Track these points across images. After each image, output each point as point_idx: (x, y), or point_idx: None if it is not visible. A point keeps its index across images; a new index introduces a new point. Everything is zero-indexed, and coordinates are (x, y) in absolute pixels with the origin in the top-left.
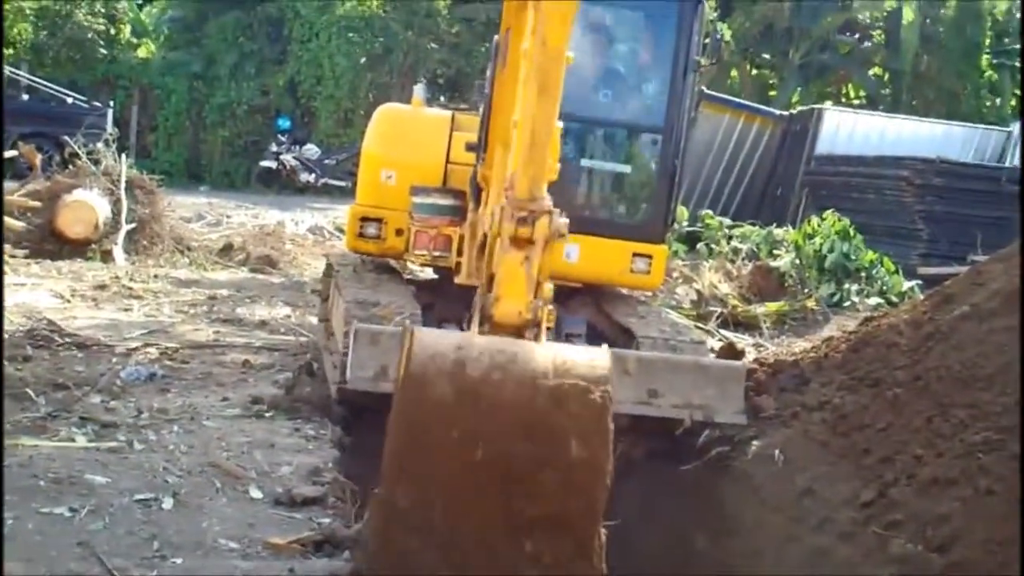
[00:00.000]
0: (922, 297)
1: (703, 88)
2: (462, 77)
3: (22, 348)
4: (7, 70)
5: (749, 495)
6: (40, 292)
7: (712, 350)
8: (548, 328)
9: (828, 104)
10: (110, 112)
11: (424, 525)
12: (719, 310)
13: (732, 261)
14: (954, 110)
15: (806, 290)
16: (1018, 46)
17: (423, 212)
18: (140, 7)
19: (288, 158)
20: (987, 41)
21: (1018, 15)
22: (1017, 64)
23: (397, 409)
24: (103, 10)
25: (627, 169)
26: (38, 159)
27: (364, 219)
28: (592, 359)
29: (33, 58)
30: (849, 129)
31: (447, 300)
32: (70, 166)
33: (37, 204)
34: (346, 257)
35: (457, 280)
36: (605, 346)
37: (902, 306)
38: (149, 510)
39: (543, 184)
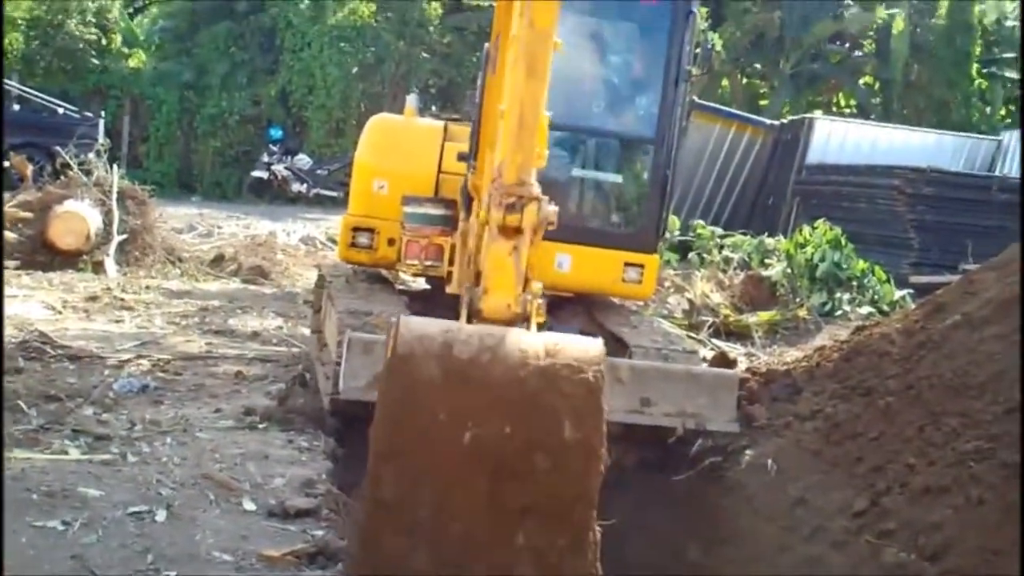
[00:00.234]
0: (914, 306)
1: (694, 98)
2: (454, 87)
3: (14, 360)
4: None
5: (742, 504)
6: (31, 304)
7: (704, 359)
8: (538, 323)
9: (819, 113)
10: (101, 122)
11: (411, 520)
12: (711, 319)
13: (724, 270)
14: (944, 119)
15: (798, 299)
16: (1008, 55)
17: (414, 222)
18: (131, 17)
19: (280, 168)
20: (977, 50)
21: (1007, 24)
22: (1007, 74)
23: (383, 392)
24: (94, 20)
25: (619, 179)
26: (29, 170)
27: (356, 229)
28: (584, 343)
29: (24, 68)
30: (840, 138)
31: (440, 310)
32: (61, 177)
33: (28, 215)
34: (338, 268)
35: (449, 289)
36: (600, 339)
37: (894, 315)
38: (142, 523)
39: (531, 170)
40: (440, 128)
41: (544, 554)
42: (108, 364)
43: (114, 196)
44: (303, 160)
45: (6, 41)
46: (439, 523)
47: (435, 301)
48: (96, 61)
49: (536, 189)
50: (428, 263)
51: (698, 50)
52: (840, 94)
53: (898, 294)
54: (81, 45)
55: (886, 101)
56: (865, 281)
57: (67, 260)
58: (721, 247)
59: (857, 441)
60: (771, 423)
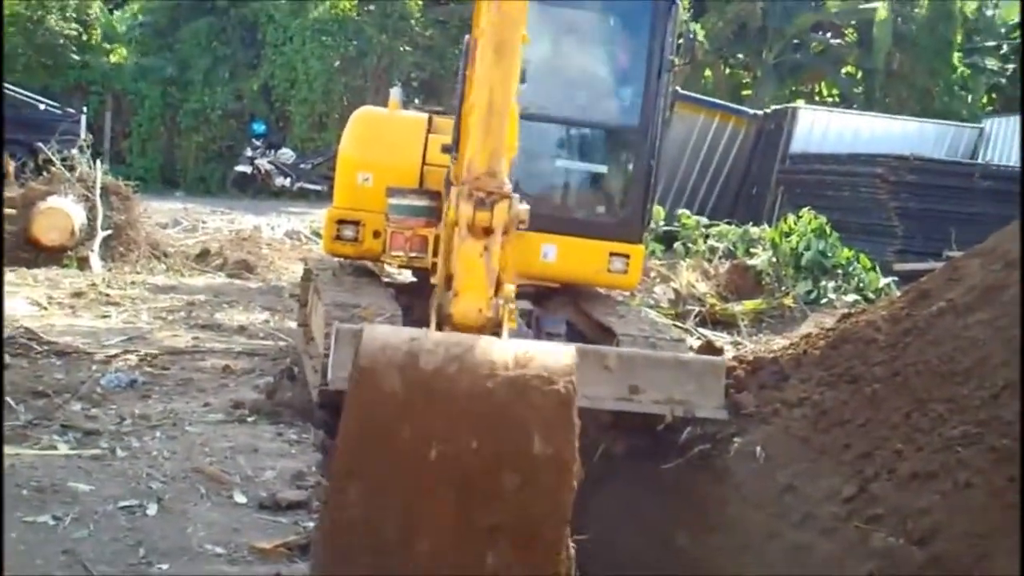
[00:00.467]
0: (899, 293)
1: (677, 88)
2: (436, 79)
3: None
4: None
5: (731, 492)
6: (17, 300)
7: (691, 348)
8: (511, 327)
9: (801, 103)
10: (83, 118)
11: (377, 540)
12: (697, 309)
13: (709, 260)
14: (927, 108)
15: (783, 288)
16: (989, 43)
17: (399, 213)
18: (111, 12)
19: (263, 163)
20: (958, 39)
21: (988, 13)
22: (987, 62)
23: (347, 405)
24: (74, 15)
25: (603, 169)
26: (11, 166)
27: (341, 222)
28: (556, 351)
29: (4, 64)
30: (823, 127)
31: (426, 302)
32: (44, 173)
33: (11, 211)
34: (324, 261)
35: (433, 280)
36: (573, 347)
37: (879, 302)
38: (133, 517)
39: (502, 159)
40: (424, 120)
41: (515, 574)
42: (95, 359)
43: (98, 192)
44: (286, 154)
45: None
46: (406, 542)
47: (422, 293)
48: (77, 56)
49: (507, 186)
50: (413, 255)
51: (681, 40)
52: (823, 83)
53: (883, 281)
54: (61, 41)
55: (868, 90)
56: (850, 269)
57: (51, 256)
58: (706, 237)
59: (845, 428)
60: (759, 411)
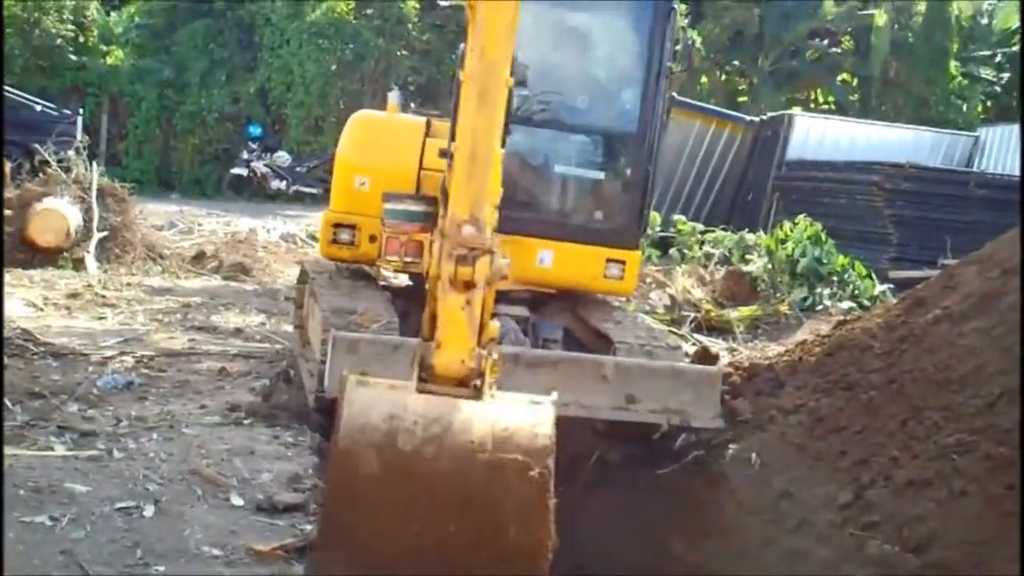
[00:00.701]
0: (894, 301)
1: (674, 94)
2: (433, 84)
3: None
4: None
5: (726, 498)
6: (13, 301)
7: (686, 355)
8: (494, 372)
9: (797, 110)
10: (80, 120)
11: None
12: (692, 315)
13: (705, 266)
14: (922, 116)
15: (778, 294)
16: (984, 53)
17: (394, 218)
18: (108, 14)
19: (259, 165)
20: (954, 47)
21: (983, 21)
22: (983, 71)
23: (329, 482)
24: (71, 17)
25: (600, 175)
26: (8, 167)
27: (338, 225)
28: (534, 426)
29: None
30: (819, 135)
31: (421, 306)
32: (40, 174)
33: (8, 212)
34: (321, 264)
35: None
36: (551, 399)
37: (875, 310)
38: (131, 518)
39: (485, 205)
40: (422, 124)
41: None
42: (91, 361)
43: (94, 193)
44: (282, 157)
45: None
46: None
47: (417, 297)
48: (74, 58)
49: (489, 240)
50: (408, 259)
51: (678, 46)
52: (818, 91)
53: (878, 289)
54: (58, 42)
55: (864, 98)
56: (845, 276)
57: (47, 257)
58: (702, 243)
59: (841, 435)
60: (755, 417)
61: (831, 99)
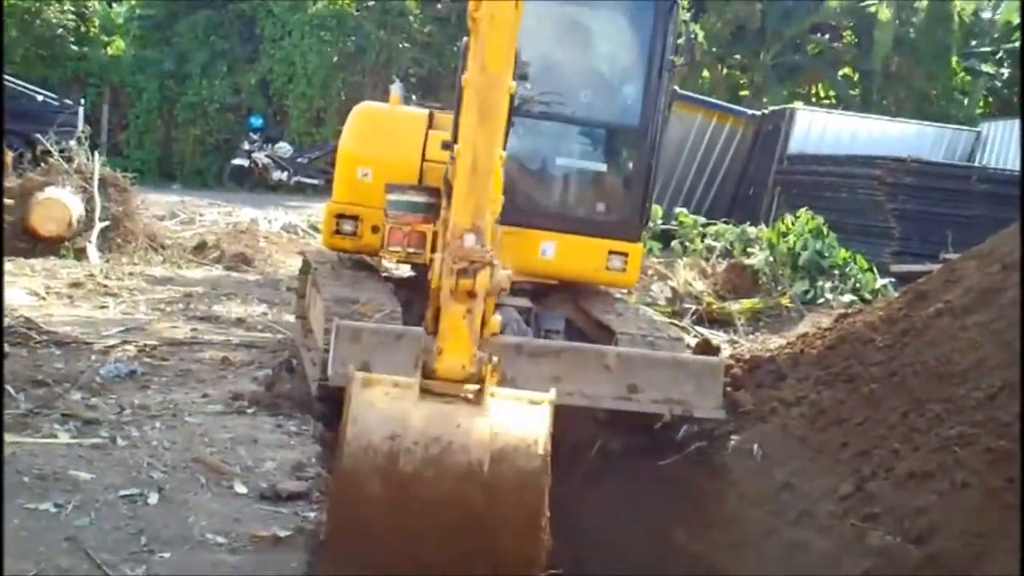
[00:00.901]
0: (896, 294)
1: (676, 88)
2: (434, 76)
3: None
4: None
5: (728, 489)
6: (15, 290)
7: (688, 347)
8: (494, 376)
9: (799, 104)
10: (81, 110)
11: None
12: (694, 307)
13: (706, 259)
14: (923, 110)
15: (780, 287)
16: (985, 49)
17: (397, 209)
18: (109, 4)
19: (260, 156)
20: (956, 43)
21: (984, 16)
22: (984, 68)
23: (332, 503)
24: (72, 7)
25: (603, 167)
26: (9, 157)
27: (340, 216)
28: (529, 442)
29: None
30: (821, 129)
31: (424, 297)
32: (42, 164)
33: (9, 202)
34: (323, 255)
35: (430, 276)
36: (549, 398)
37: (876, 303)
38: (135, 505)
39: (486, 214)
40: (424, 116)
41: None
42: (94, 349)
43: (95, 183)
44: (284, 148)
45: None
46: None
47: (420, 287)
48: (75, 48)
49: (489, 253)
50: (411, 250)
51: (681, 40)
52: (820, 85)
53: (879, 282)
54: (59, 32)
55: (865, 92)
56: (847, 270)
57: (48, 246)
58: (704, 236)
59: (842, 427)
60: (756, 409)
61: (832, 94)
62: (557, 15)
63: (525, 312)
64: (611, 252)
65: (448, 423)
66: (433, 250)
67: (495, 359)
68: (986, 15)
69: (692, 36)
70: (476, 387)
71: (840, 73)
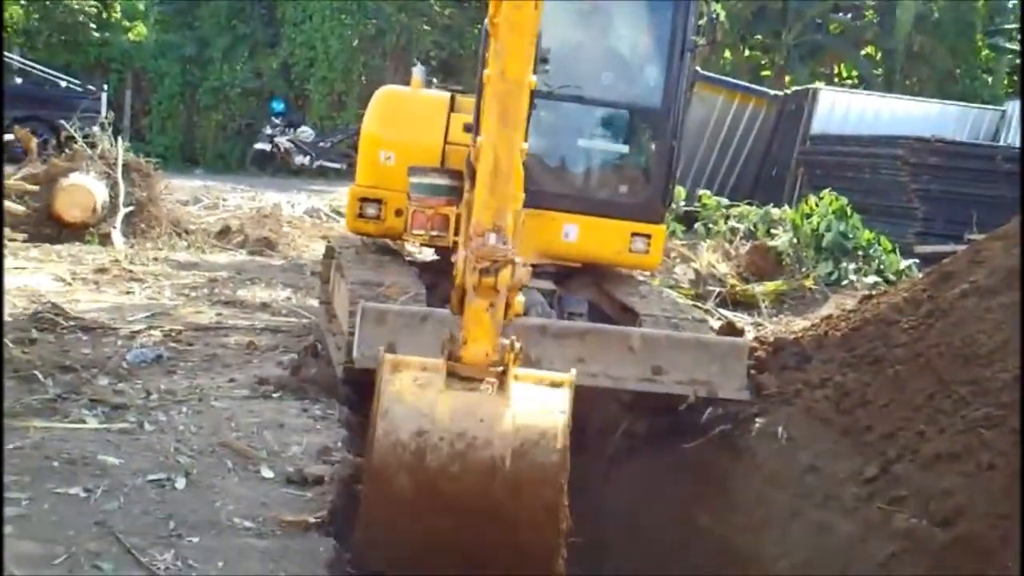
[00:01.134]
0: (920, 275)
1: (698, 68)
2: (455, 59)
3: (27, 331)
4: None
5: (752, 472)
6: (41, 276)
7: (712, 329)
8: (516, 361)
9: (821, 84)
10: (104, 95)
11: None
12: (717, 289)
13: (730, 241)
14: (947, 89)
15: (804, 269)
16: (1010, 25)
17: (420, 192)
18: None
19: (283, 141)
20: (980, 21)
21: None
22: (1009, 44)
23: (363, 497)
24: None
25: (625, 149)
26: (34, 143)
27: (364, 200)
28: (549, 436)
29: (25, 42)
30: (844, 109)
31: (448, 280)
32: (66, 150)
33: (34, 188)
34: (347, 239)
35: (453, 259)
36: (569, 379)
37: (901, 284)
38: (163, 490)
39: (507, 214)
40: (446, 99)
41: None
42: (120, 335)
43: (119, 169)
44: (306, 132)
45: (6, 15)
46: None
47: (443, 271)
48: (97, 34)
49: (510, 251)
50: (434, 233)
51: (703, 21)
52: (842, 65)
53: (903, 264)
54: (81, 18)
55: (888, 72)
56: (871, 251)
57: (73, 233)
58: (727, 217)
59: (867, 409)
60: (781, 391)
61: (855, 73)
62: None
63: (549, 295)
64: (634, 234)
65: (472, 417)
66: (456, 233)
67: (518, 345)
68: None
69: (714, 16)
70: (500, 370)
71: (863, 52)
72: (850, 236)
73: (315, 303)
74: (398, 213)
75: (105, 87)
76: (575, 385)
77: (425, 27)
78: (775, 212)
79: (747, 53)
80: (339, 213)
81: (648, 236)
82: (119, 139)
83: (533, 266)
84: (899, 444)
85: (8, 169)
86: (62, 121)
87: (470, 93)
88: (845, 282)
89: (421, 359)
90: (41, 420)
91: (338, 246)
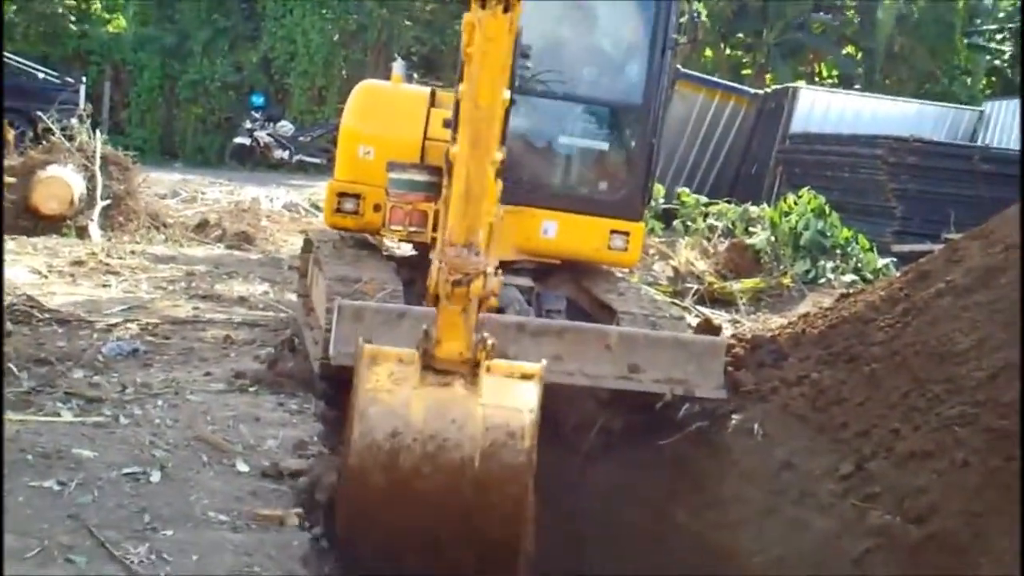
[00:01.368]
0: (898, 274)
1: (678, 66)
2: (436, 54)
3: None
4: None
5: (729, 468)
6: (17, 268)
7: (690, 326)
8: (489, 356)
9: (801, 83)
10: (83, 88)
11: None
12: (695, 287)
13: (708, 238)
14: (926, 89)
15: (781, 267)
16: (990, 27)
17: (399, 188)
18: None
19: (262, 135)
20: (960, 22)
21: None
22: (990, 44)
23: (341, 494)
24: None
25: (604, 146)
26: (11, 135)
27: (342, 195)
28: (516, 437)
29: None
30: (824, 108)
31: (426, 275)
32: (43, 142)
33: (11, 180)
34: (325, 233)
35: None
36: (539, 370)
37: (878, 283)
38: (137, 483)
39: (479, 232)
40: (426, 94)
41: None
42: (96, 328)
43: (97, 161)
44: (285, 127)
45: None
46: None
47: (422, 266)
48: (76, 26)
49: (482, 263)
50: (412, 229)
51: (684, 19)
52: (822, 64)
53: (881, 262)
54: (60, 10)
55: (868, 71)
56: (848, 249)
57: (50, 225)
58: (705, 215)
59: (843, 406)
60: (757, 388)
61: (835, 73)
62: None
63: (527, 291)
64: (613, 231)
65: (444, 419)
66: (435, 229)
67: (491, 341)
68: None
69: (695, 15)
70: (473, 364)
71: (844, 52)
72: (828, 234)
73: (293, 298)
74: (376, 208)
75: (84, 79)
76: (546, 380)
77: (406, 22)
78: (754, 210)
79: (728, 51)
80: (318, 208)
81: (627, 233)
82: (97, 131)
83: (512, 262)
84: (874, 441)
85: None
86: (40, 113)
87: (450, 88)
88: (823, 280)
89: (398, 351)
90: (16, 413)
91: (316, 240)
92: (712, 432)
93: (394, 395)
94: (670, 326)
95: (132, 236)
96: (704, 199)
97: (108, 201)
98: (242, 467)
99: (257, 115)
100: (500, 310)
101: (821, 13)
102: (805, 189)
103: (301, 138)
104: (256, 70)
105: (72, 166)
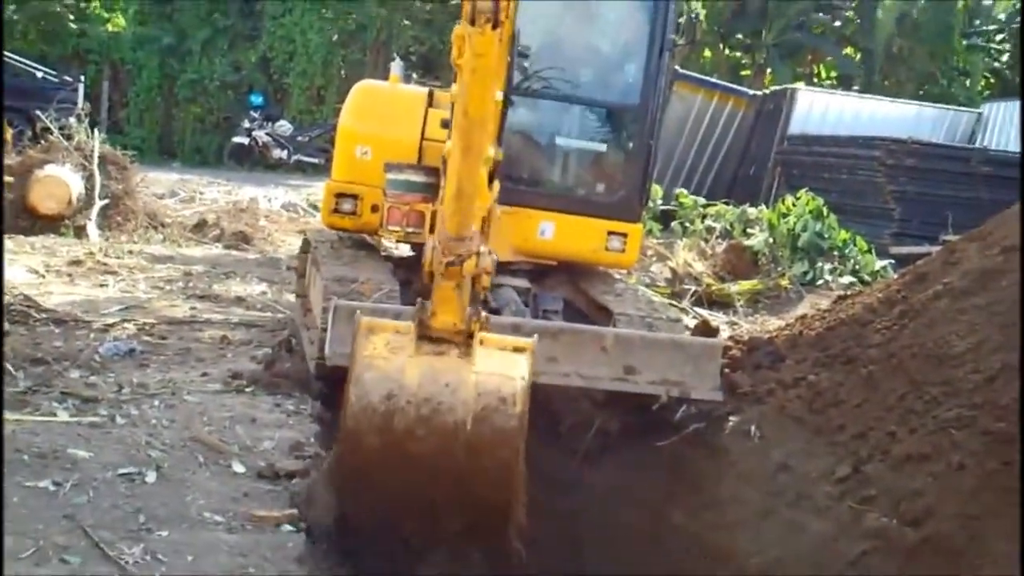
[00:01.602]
0: (895, 276)
1: (677, 67)
2: (435, 54)
3: None
4: None
5: (725, 470)
6: (15, 268)
7: (687, 328)
8: (482, 328)
9: (801, 84)
10: (81, 87)
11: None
12: (693, 288)
13: (706, 240)
14: (926, 91)
15: (779, 269)
16: (989, 28)
17: (396, 188)
18: None
19: (260, 135)
20: (959, 23)
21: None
22: (989, 46)
23: (338, 456)
24: None
25: (602, 148)
26: (9, 134)
27: (340, 195)
28: (508, 403)
29: None
30: (822, 109)
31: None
32: (42, 141)
33: (9, 179)
34: (323, 233)
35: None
36: (530, 344)
37: (875, 285)
38: (133, 484)
39: (471, 225)
40: (424, 95)
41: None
42: (93, 328)
43: (95, 161)
44: (284, 126)
45: None
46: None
47: (418, 267)
48: (75, 25)
49: (475, 243)
50: (410, 229)
51: (682, 19)
52: (821, 65)
53: (879, 264)
54: (58, 9)
55: (867, 72)
56: (846, 251)
57: (48, 224)
58: (703, 216)
59: (840, 408)
60: (754, 390)
61: (834, 74)
62: None
63: (524, 293)
64: (610, 232)
65: (438, 383)
66: (432, 230)
67: (484, 314)
68: (987, 2)
69: (694, 15)
70: (467, 334)
71: (843, 52)
72: (826, 236)
73: (290, 298)
74: (374, 209)
75: (82, 78)
76: (542, 382)
77: (405, 22)
78: (752, 211)
79: (727, 52)
80: (316, 208)
81: (624, 235)
82: (95, 131)
83: (509, 263)
84: (871, 444)
85: None
86: (38, 112)
87: (448, 89)
88: (820, 282)
89: (395, 323)
90: (12, 413)
91: (314, 240)
92: (709, 434)
93: (390, 361)
94: (667, 328)
95: (130, 236)
96: (702, 200)
97: (106, 201)
98: (238, 468)
99: (256, 115)
100: (497, 311)
101: (820, 14)
102: (803, 191)
103: (299, 138)
104: (255, 70)
105: (70, 165)
